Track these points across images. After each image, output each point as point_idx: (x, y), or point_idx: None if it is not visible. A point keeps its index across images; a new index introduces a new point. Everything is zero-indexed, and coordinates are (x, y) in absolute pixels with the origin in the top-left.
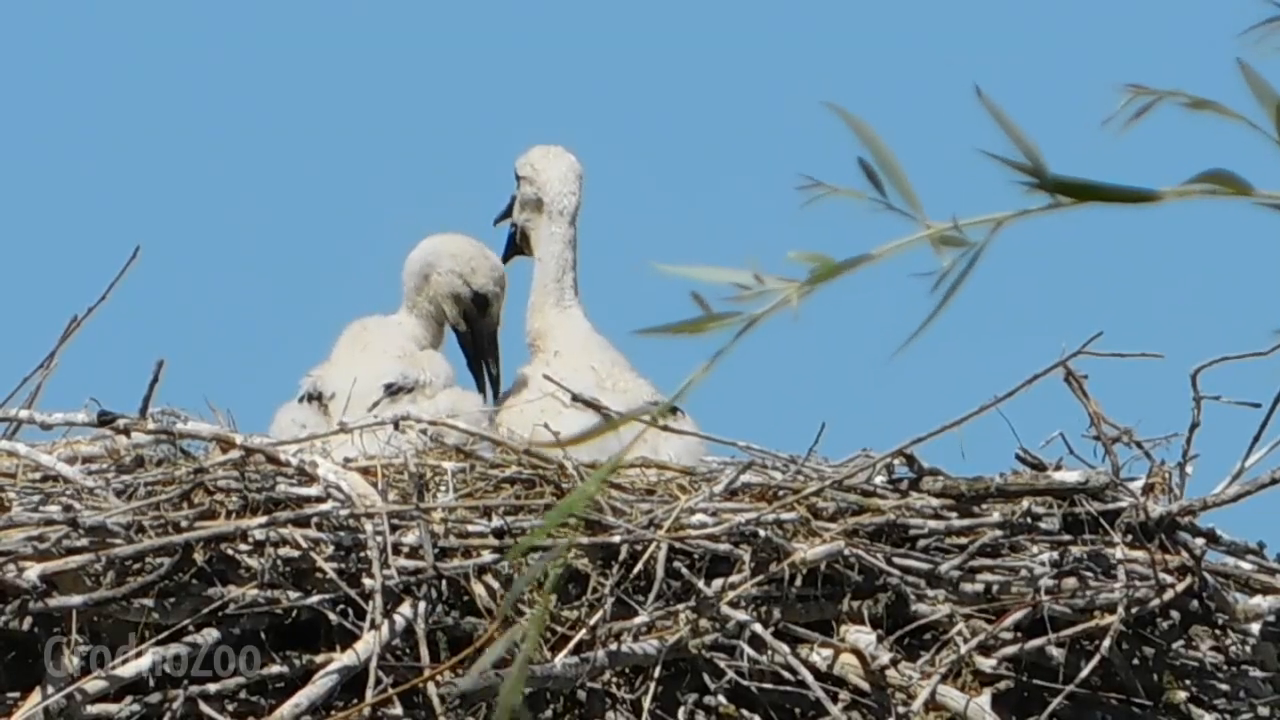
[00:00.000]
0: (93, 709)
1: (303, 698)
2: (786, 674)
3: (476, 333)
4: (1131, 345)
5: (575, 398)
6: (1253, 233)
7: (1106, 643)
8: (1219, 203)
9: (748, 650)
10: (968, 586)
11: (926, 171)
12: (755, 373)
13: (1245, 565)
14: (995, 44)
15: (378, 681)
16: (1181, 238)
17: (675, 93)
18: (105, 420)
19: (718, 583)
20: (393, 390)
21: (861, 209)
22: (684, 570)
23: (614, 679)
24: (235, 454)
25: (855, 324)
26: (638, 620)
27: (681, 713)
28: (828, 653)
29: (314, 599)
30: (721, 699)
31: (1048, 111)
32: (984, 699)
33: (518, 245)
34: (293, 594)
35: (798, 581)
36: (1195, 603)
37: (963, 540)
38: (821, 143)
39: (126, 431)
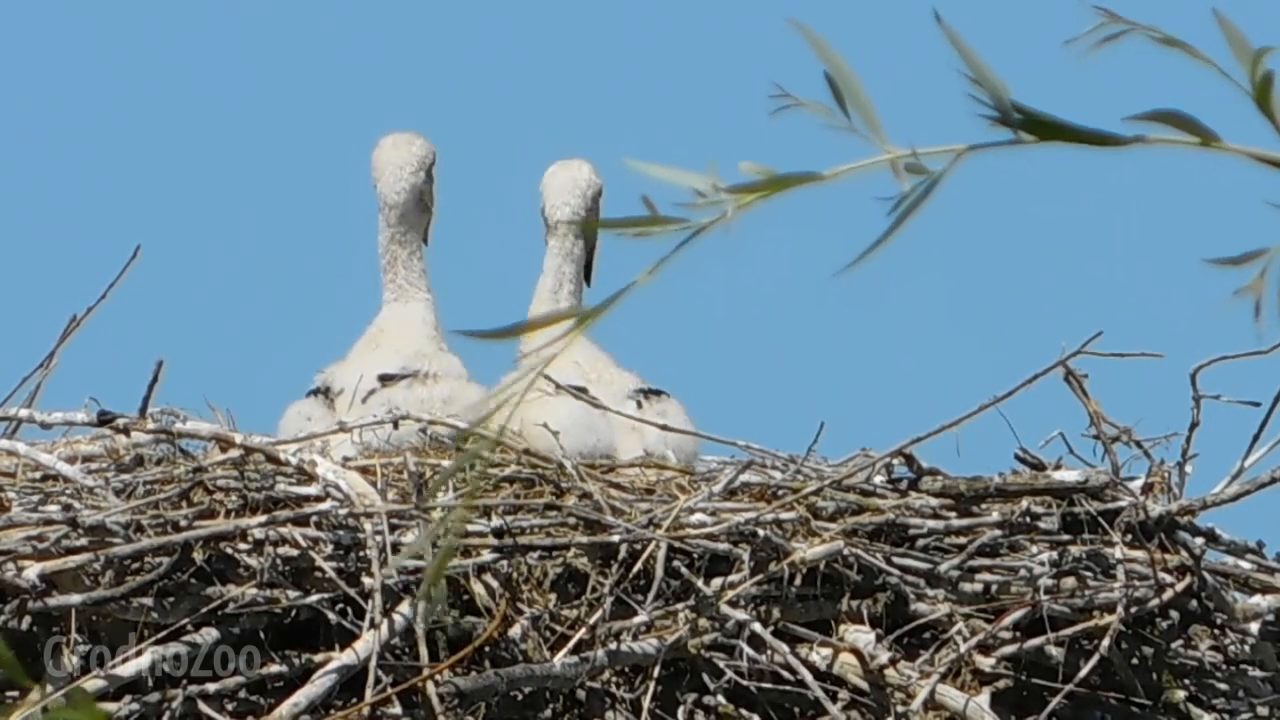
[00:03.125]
0: None
1: (302, 697)
2: (786, 673)
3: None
4: (1131, 345)
5: (560, 387)
6: (1213, 181)
7: (1106, 642)
8: (1185, 151)
9: (747, 650)
10: (967, 586)
11: (896, 97)
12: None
13: (1244, 565)
14: None
15: (377, 681)
16: (1138, 181)
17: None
18: (105, 420)
19: (717, 582)
20: (386, 378)
21: (829, 128)
22: (683, 570)
23: (613, 678)
24: (234, 453)
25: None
26: (637, 620)
27: (681, 712)
28: (827, 652)
29: (313, 598)
30: (721, 698)
31: (1016, 29)
32: (983, 698)
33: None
34: (292, 593)
35: (797, 581)
36: (1194, 602)
37: (962, 540)
38: (802, 62)
39: (126, 431)
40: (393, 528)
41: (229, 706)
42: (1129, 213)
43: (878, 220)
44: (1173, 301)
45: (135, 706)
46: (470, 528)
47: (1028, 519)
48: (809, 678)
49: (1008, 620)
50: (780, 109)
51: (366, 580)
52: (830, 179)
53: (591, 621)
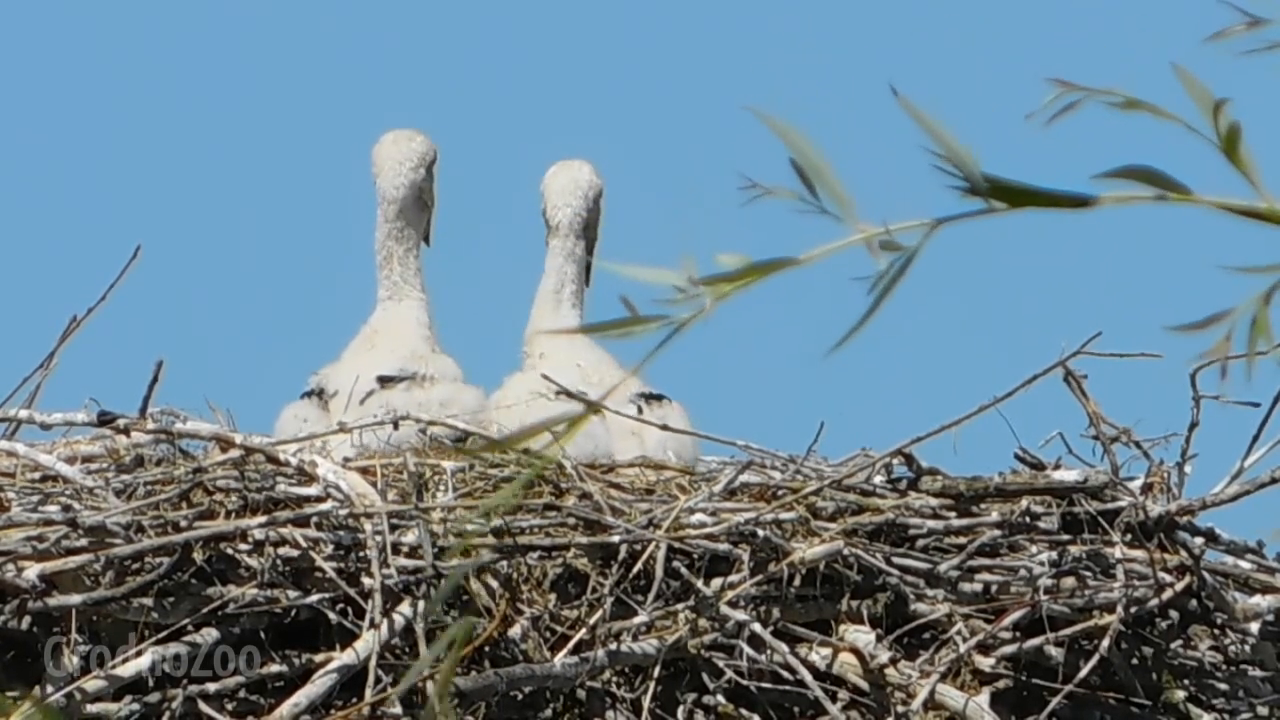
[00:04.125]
0: (92, 708)
1: (302, 697)
2: (785, 673)
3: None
4: (1131, 345)
5: (560, 392)
6: (1185, 235)
7: (1105, 642)
8: (1156, 207)
9: (747, 650)
10: (967, 586)
11: (866, 171)
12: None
13: (1244, 565)
14: (927, 38)
15: (377, 680)
16: (1114, 241)
17: (625, 94)
18: (105, 420)
19: (717, 582)
20: (385, 380)
21: (800, 211)
22: (683, 570)
23: (614, 678)
24: (234, 453)
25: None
26: (637, 620)
27: (681, 712)
28: (827, 652)
29: (313, 598)
30: (721, 698)
31: (979, 105)
32: (983, 698)
33: None
34: (292, 593)
35: (797, 581)
36: (1194, 602)
37: (962, 540)
38: (764, 146)
39: (126, 431)
40: (393, 528)
41: (229, 706)
42: (1106, 270)
43: (859, 295)
44: (1166, 312)
45: (136, 707)
46: (469, 527)
47: (1027, 519)
48: (809, 678)
49: (1007, 620)
50: (750, 199)
51: (366, 580)
52: (805, 263)
53: (591, 622)
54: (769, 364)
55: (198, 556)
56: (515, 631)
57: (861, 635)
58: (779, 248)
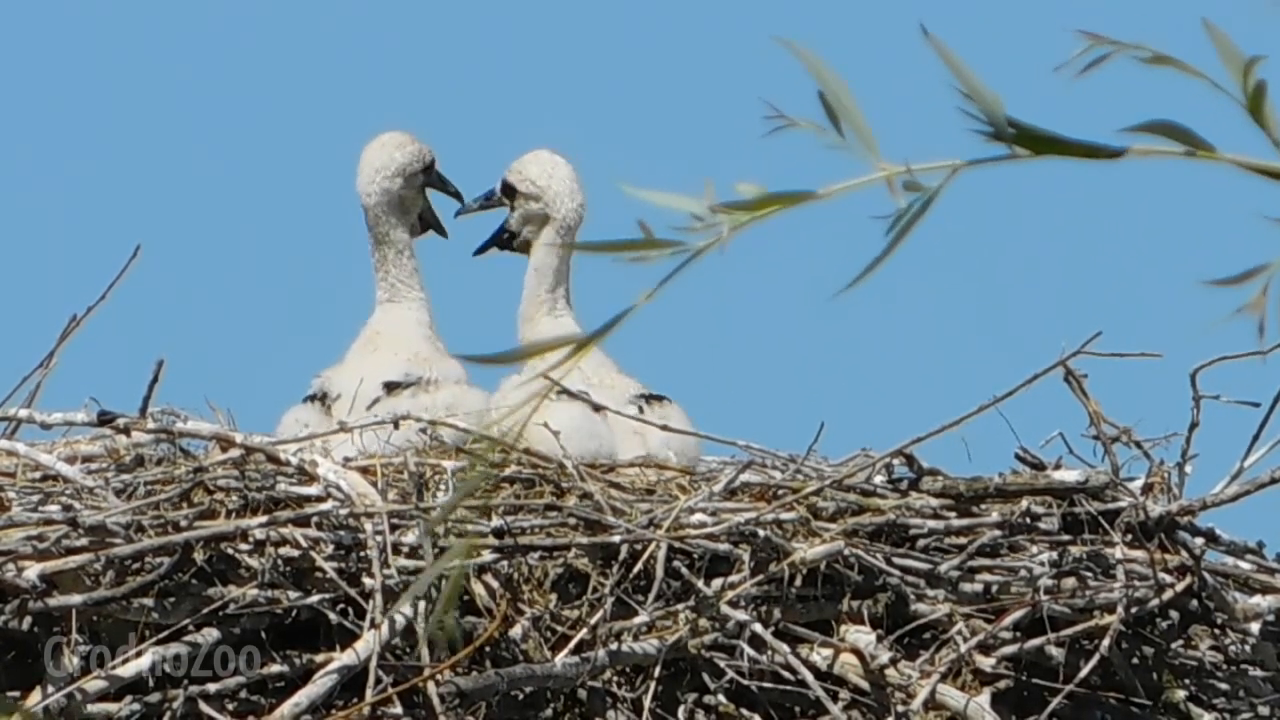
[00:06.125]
0: (93, 708)
1: (303, 697)
2: (786, 673)
3: (434, 184)
4: (1131, 344)
5: (563, 391)
6: (1207, 191)
7: (1106, 642)
8: (1180, 163)
9: (748, 650)
10: (967, 586)
11: (890, 114)
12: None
13: (1244, 565)
14: None
15: (378, 681)
16: (1137, 194)
17: (645, 32)
18: (105, 420)
19: (717, 582)
20: (391, 387)
21: (823, 146)
22: (684, 570)
23: (614, 678)
24: (235, 453)
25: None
26: (638, 620)
27: (681, 712)
28: (828, 652)
29: (314, 598)
30: (721, 698)
31: (1007, 55)
32: (983, 698)
33: (506, 245)
34: (293, 593)
35: (797, 581)
36: (1194, 602)
37: (962, 540)
38: (794, 80)
39: (126, 431)
40: (393, 528)
41: (230, 706)
42: (1126, 224)
43: (876, 235)
44: (1172, 307)
45: (136, 707)
46: (470, 528)
47: (1028, 519)
48: (810, 678)
49: (1008, 620)
50: (774, 128)
51: (367, 580)
52: (826, 197)
53: (592, 622)
54: (783, 302)
55: (198, 556)
56: (516, 631)
57: (862, 635)
58: (799, 185)
